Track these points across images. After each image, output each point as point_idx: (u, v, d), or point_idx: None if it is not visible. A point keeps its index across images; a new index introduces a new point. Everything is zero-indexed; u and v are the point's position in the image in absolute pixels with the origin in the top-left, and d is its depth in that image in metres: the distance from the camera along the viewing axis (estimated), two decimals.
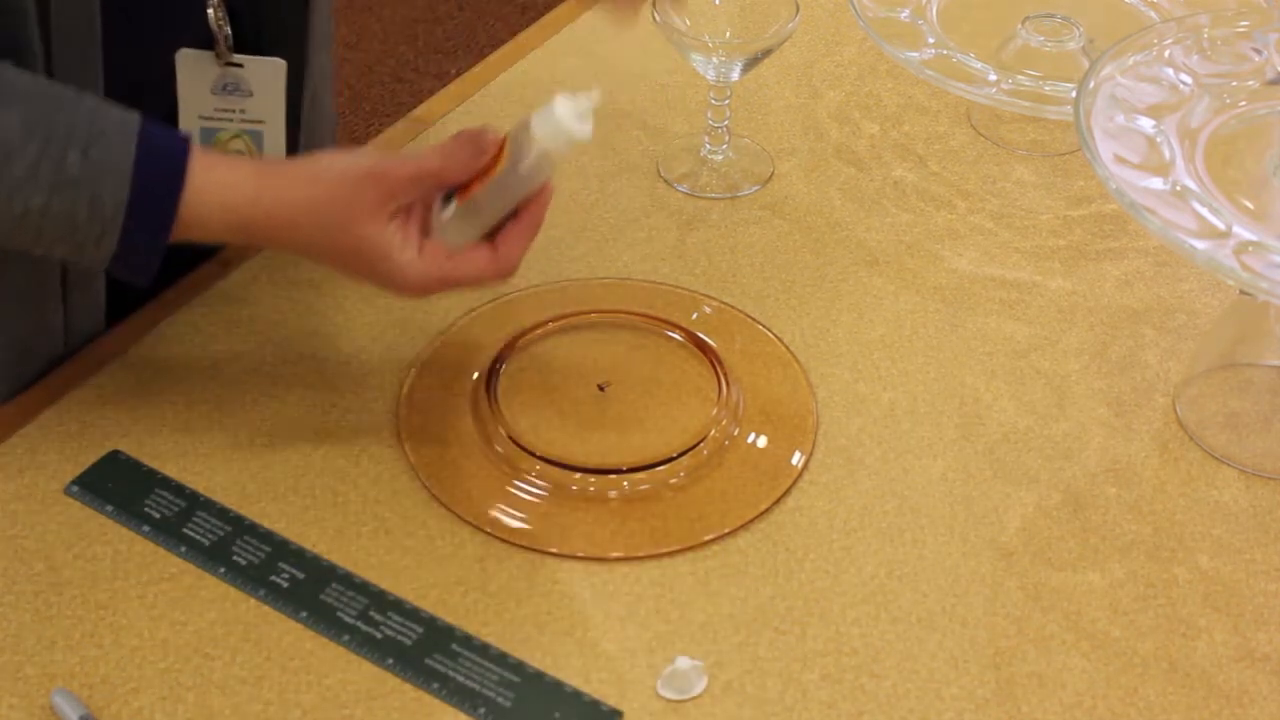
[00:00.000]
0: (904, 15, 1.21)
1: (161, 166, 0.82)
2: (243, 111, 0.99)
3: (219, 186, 0.83)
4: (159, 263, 0.84)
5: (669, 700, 0.81)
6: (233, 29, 0.97)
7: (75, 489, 0.91)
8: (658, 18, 1.10)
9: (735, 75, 1.11)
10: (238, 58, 0.97)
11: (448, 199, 0.86)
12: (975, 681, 0.82)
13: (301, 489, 0.91)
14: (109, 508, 0.90)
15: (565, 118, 0.83)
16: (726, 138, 1.18)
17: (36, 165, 0.79)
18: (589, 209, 1.14)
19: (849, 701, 0.81)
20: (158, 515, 0.89)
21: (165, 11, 0.97)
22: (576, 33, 1.34)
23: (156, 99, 1.02)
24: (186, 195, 0.82)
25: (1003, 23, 1.21)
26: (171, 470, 0.92)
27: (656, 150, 1.20)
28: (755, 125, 1.23)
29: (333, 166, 0.85)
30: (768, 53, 1.10)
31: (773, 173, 1.18)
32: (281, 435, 0.94)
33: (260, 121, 1.00)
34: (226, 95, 0.98)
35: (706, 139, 1.18)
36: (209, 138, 1.00)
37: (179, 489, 0.91)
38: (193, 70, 0.98)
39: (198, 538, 0.88)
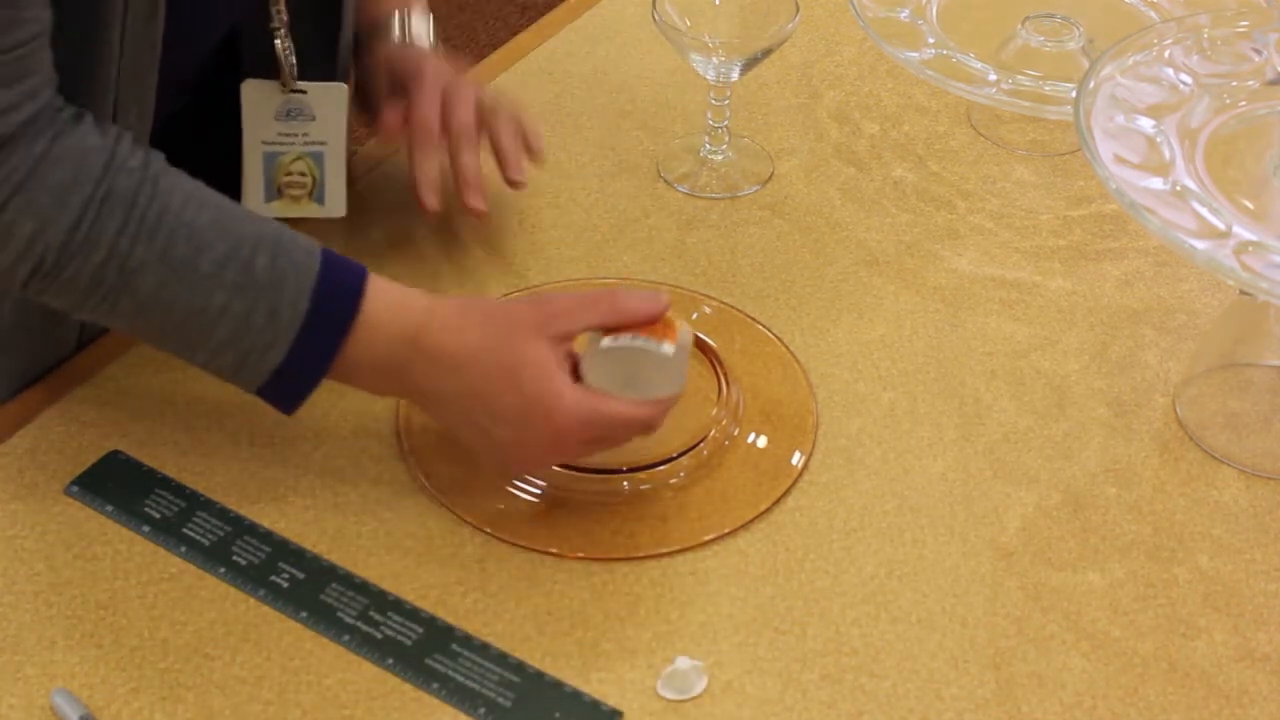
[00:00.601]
0: (904, 15, 1.21)
1: (342, 284, 0.83)
2: (305, 135, 1.03)
3: (395, 306, 0.85)
4: (312, 389, 0.85)
5: (669, 700, 0.81)
6: (268, 50, 1.00)
7: (75, 489, 0.91)
8: (658, 18, 1.10)
9: (735, 75, 1.11)
10: (301, 84, 1.01)
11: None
12: (975, 681, 0.82)
13: (301, 489, 0.91)
14: (109, 508, 0.90)
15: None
16: (726, 138, 1.18)
17: (224, 264, 0.81)
18: (589, 209, 1.14)
19: (849, 701, 0.81)
20: (158, 515, 0.89)
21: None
22: (576, 33, 1.34)
23: (199, 77, 1.06)
24: (363, 312, 0.83)
25: (1003, 23, 1.21)
26: (171, 470, 0.92)
27: (656, 150, 1.20)
28: (755, 125, 1.23)
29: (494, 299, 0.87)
30: (768, 53, 1.10)
31: (773, 173, 1.18)
32: (281, 435, 0.94)
33: (322, 143, 1.04)
34: (289, 120, 1.02)
35: (706, 139, 1.18)
36: (271, 161, 1.03)
37: (179, 489, 0.91)
38: (257, 98, 1.01)
39: (198, 538, 0.88)
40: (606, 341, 0.84)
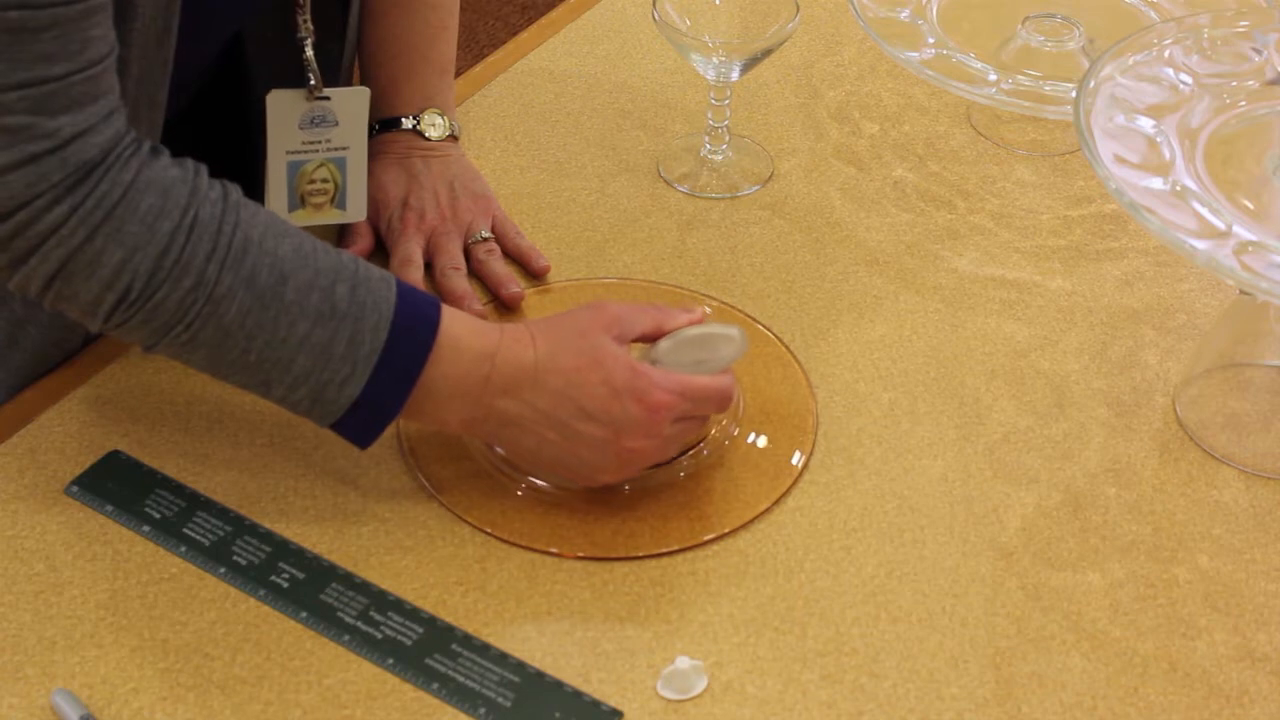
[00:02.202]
0: (904, 15, 1.21)
1: (418, 313, 0.84)
2: (328, 141, 1.03)
3: (468, 333, 0.85)
4: (389, 421, 0.85)
5: (669, 700, 0.81)
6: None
7: (75, 489, 0.91)
8: (658, 17, 1.10)
9: (735, 75, 1.11)
10: (325, 91, 1.01)
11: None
12: (975, 681, 0.82)
13: (301, 489, 0.91)
14: (109, 508, 0.90)
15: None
16: (726, 138, 1.18)
17: (307, 292, 0.81)
18: (589, 209, 1.14)
19: (849, 701, 0.81)
20: (158, 515, 0.89)
21: None
22: (576, 33, 1.34)
23: (213, 76, 1.06)
24: (440, 339, 0.84)
25: (1003, 23, 1.21)
26: (171, 470, 0.92)
27: (656, 150, 1.20)
28: (755, 125, 1.23)
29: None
30: (768, 53, 1.10)
31: (773, 173, 1.18)
32: (281, 435, 0.94)
33: (345, 148, 1.04)
34: (313, 128, 1.02)
35: (706, 139, 1.18)
36: (295, 170, 1.03)
37: (179, 489, 0.91)
38: (282, 109, 1.01)
39: (198, 538, 0.88)
40: (670, 337, 0.89)
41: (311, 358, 0.82)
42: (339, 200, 1.05)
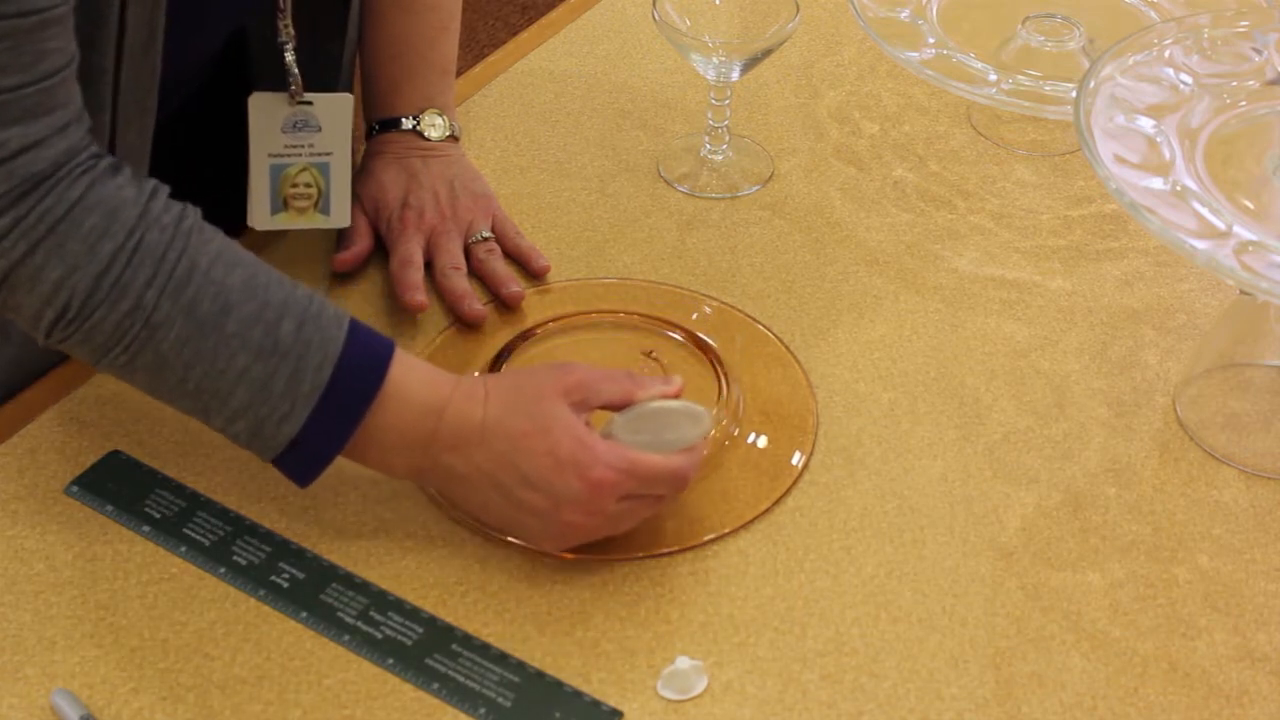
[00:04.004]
0: (904, 15, 1.21)
1: (367, 357, 0.82)
2: (311, 146, 1.03)
3: (420, 382, 0.84)
4: (327, 463, 0.83)
5: (669, 700, 0.81)
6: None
7: (75, 489, 0.91)
8: (658, 17, 1.10)
9: (735, 75, 1.11)
10: (308, 96, 1.01)
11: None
12: (975, 681, 0.82)
13: (301, 489, 0.91)
14: (109, 508, 0.90)
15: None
16: (726, 138, 1.18)
17: (250, 325, 0.80)
18: (589, 209, 1.14)
19: (849, 701, 0.81)
20: (158, 515, 0.89)
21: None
22: (576, 33, 1.34)
23: (188, 90, 1.06)
24: (386, 386, 0.82)
25: (1003, 23, 1.21)
26: (171, 470, 0.92)
27: (656, 150, 1.20)
28: (755, 125, 1.23)
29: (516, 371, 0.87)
30: (768, 53, 1.10)
31: (773, 173, 1.18)
32: None
33: (328, 153, 1.04)
34: (296, 132, 1.02)
35: (706, 139, 1.18)
36: (278, 173, 1.03)
37: (179, 489, 0.91)
38: (264, 112, 1.01)
39: (198, 538, 0.88)
40: (629, 410, 0.85)
41: (250, 392, 0.80)
42: (323, 205, 1.04)
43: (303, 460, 0.83)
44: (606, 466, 0.82)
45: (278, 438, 0.81)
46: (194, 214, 0.82)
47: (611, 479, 0.82)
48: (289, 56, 0.99)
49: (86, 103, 0.84)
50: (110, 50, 0.84)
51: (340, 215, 1.05)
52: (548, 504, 0.83)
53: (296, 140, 1.02)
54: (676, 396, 0.86)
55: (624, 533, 0.89)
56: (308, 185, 1.04)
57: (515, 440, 0.83)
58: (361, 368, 0.82)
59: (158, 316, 0.78)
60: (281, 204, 1.04)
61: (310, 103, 1.01)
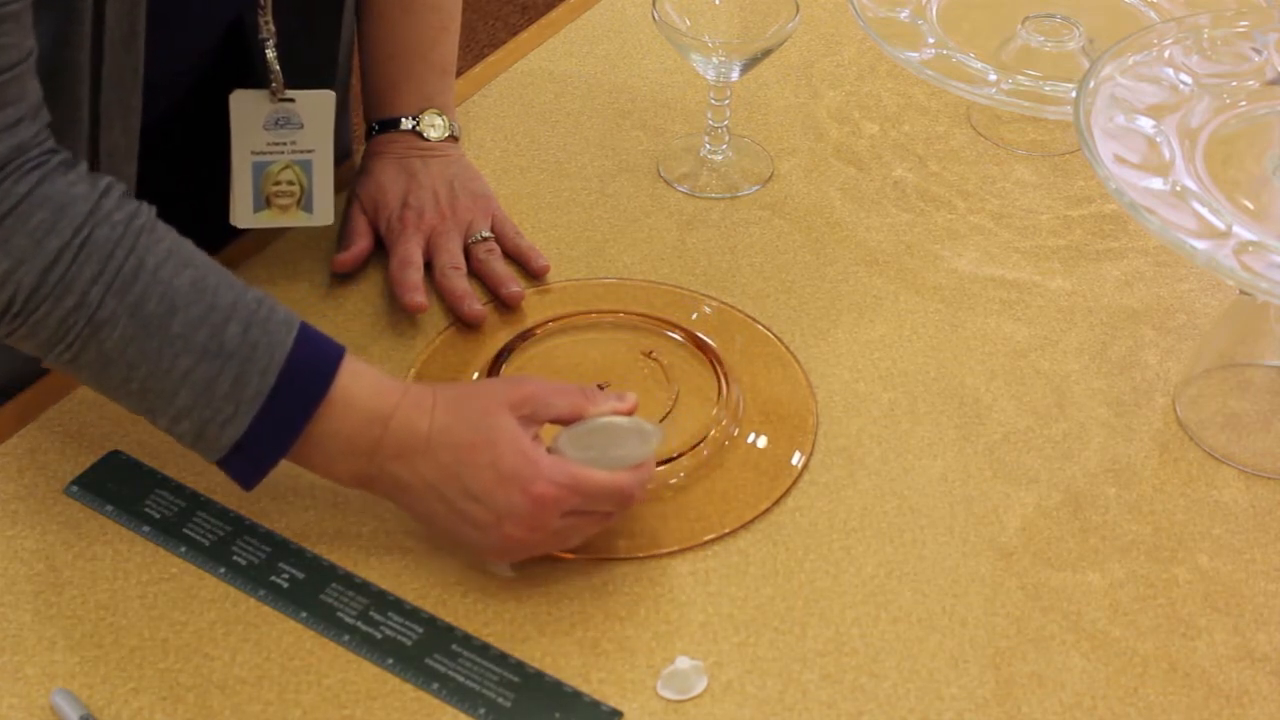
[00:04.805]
0: (904, 15, 1.21)
1: (315, 363, 0.82)
2: (293, 143, 1.03)
3: (368, 389, 0.83)
4: (270, 467, 0.83)
5: (669, 700, 0.81)
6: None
7: (75, 489, 0.91)
8: (658, 17, 1.10)
9: (735, 75, 1.11)
10: (289, 93, 1.01)
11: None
12: (975, 681, 0.82)
13: (301, 489, 0.91)
14: (109, 508, 0.90)
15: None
16: (726, 138, 1.18)
17: (196, 327, 0.79)
18: (589, 209, 1.14)
19: (849, 701, 0.81)
20: (158, 515, 0.89)
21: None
22: (576, 33, 1.34)
23: (178, 88, 1.06)
24: (333, 393, 0.82)
25: (1003, 23, 1.21)
26: (171, 470, 0.92)
27: (656, 150, 1.20)
28: (755, 125, 1.23)
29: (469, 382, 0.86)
30: (768, 53, 1.10)
31: (773, 173, 1.18)
32: None
33: (310, 151, 1.03)
34: (278, 129, 1.02)
35: (706, 139, 1.18)
36: (260, 171, 1.03)
37: (179, 489, 0.91)
38: (245, 109, 1.01)
39: (198, 538, 0.88)
40: (575, 425, 0.84)
41: (194, 394, 0.80)
42: (305, 203, 1.04)
43: (247, 463, 0.82)
44: (549, 482, 0.81)
45: (221, 440, 0.81)
46: (147, 213, 0.81)
47: (554, 494, 0.81)
48: (270, 54, 0.99)
49: (61, 98, 0.84)
50: (86, 45, 0.84)
51: (323, 213, 1.05)
52: (490, 517, 0.82)
53: (278, 138, 1.02)
54: (630, 413, 0.86)
55: (624, 533, 0.89)
56: (290, 183, 1.04)
57: (459, 452, 0.82)
58: (307, 373, 0.82)
59: (102, 314, 0.78)
60: (264, 202, 1.04)
61: (292, 100, 1.01)
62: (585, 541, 0.87)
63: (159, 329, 0.79)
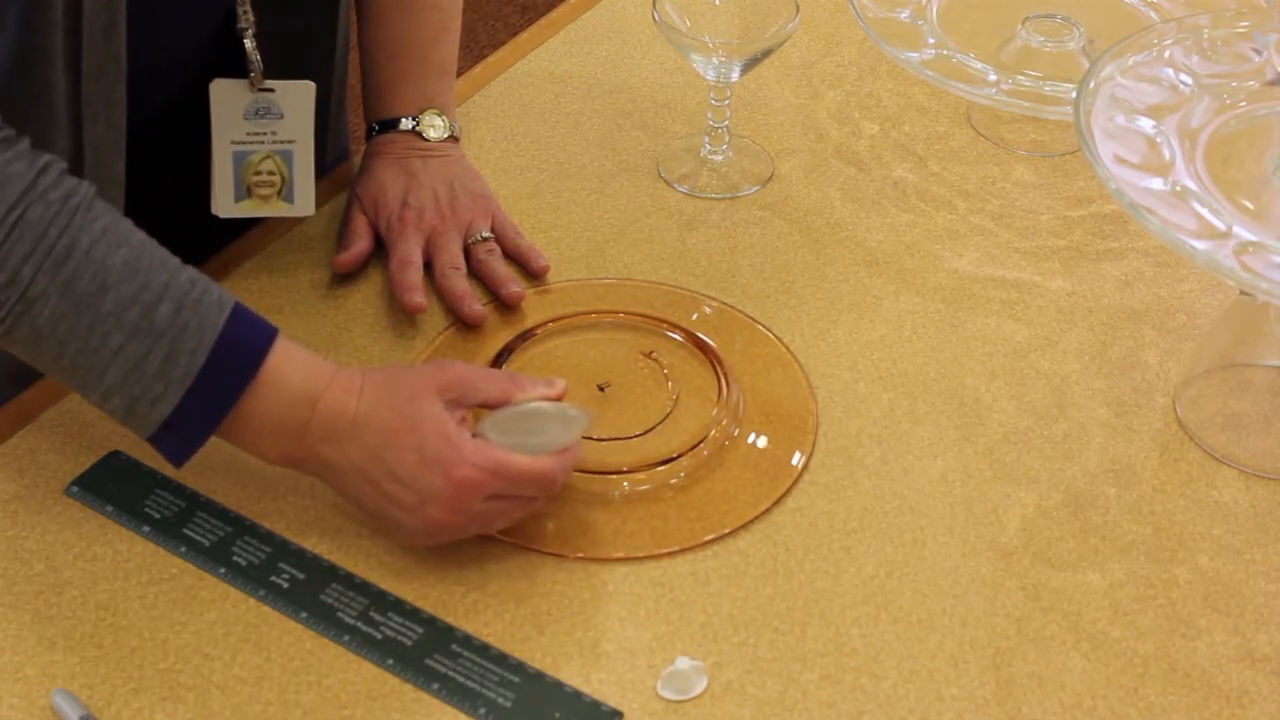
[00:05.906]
0: (904, 15, 1.21)
1: (245, 343, 0.83)
2: (274, 133, 1.03)
3: (298, 371, 0.84)
4: (200, 444, 0.84)
5: (669, 700, 0.81)
6: (269, 55, 1.01)
7: (75, 489, 0.91)
8: (658, 17, 1.10)
9: (735, 75, 1.11)
10: (269, 83, 1.01)
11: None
12: (975, 681, 0.82)
13: (301, 489, 0.91)
14: (109, 508, 0.90)
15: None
16: (726, 138, 1.18)
17: (127, 306, 0.80)
18: (589, 209, 1.14)
19: (849, 701, 0.81)
20: (158, 515, 0.89)
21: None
22: (576, 33, 1.34)
23: (172, 82, 1.05)
24: (262, 373, 0.83)
25: (1003, 23, 1.21)
26: (171, 470, 0.92)
27: (656, 150, 1.20)
28: (755, 125, 1.23)
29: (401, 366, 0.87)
30: (768, 53, 1.10)
31: (773, 173, 1.18)
32: None
33: (291, 141, 1.04)
34: (258, 119, 1.02)
35: (706, 139, 1.18)
36: (241, 160, 1.03)
37: (179, 489, 0.91)
38: (225, 98, 1.01)
39: (198, 538, 0.88)
40: (499, 410, 0.85)
41: (123, 371, 0.81)
42: (286, 193, 1.04)
43: (177, 440, 0.84)
44: (471, 466, 0.82)
45: (151, 417, 0.82)
46: (85, 191, 0.81)
47: (475, 478, 0.82)
48: (249, 43, 0.99)
49: (33, 87, 0.84)
50: (57, 33, 0.84)
51: (304, 204, 1.05)
52: (414, 500, 0.83)
53: (259, 128, 1.02)
54: (559, 399, 0.87)
55: (624, 533, 0.89)
56: (270, 173, 1.04)
57: (384, 435, 0.83)
58: (237, 353, 0.83)
59: (33, 291, 0.79)
60: (245, 191, 1.04)
61: (272, 90, 1.02)
62: (586, 541, 0.87)
63: (90, 307, 0.80)
